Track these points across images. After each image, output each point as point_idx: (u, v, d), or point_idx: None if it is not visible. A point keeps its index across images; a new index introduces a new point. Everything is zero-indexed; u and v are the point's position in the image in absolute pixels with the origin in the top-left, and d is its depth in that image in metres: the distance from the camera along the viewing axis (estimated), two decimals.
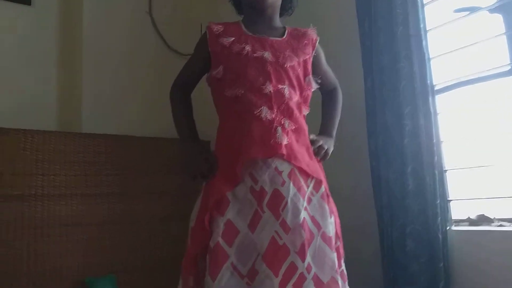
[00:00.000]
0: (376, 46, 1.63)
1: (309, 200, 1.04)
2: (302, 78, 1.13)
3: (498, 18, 1.58)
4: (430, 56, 1.61)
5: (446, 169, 1.57)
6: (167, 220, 2.01)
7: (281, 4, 1.17)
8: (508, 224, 1.49)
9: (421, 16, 1.60)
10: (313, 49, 1.17)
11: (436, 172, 1.49)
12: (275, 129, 1.04)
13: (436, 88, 1.62)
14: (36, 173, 1.78)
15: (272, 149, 1.02)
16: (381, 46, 1.62)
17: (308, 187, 1.05)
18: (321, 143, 1.13)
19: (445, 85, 1.64)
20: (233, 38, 1.10)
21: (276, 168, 1.02)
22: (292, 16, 1.26)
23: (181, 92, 1.20)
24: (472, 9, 1.64)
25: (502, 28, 1.58)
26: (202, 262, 1.01)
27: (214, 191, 1.02)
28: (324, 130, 1.21)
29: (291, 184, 1.01)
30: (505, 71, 1.53)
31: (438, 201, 1.47)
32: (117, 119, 2.14)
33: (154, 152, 2.08)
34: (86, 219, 1.84)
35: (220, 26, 1.13)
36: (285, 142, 1.04)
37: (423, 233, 1.48)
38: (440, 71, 1.64)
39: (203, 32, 1.16)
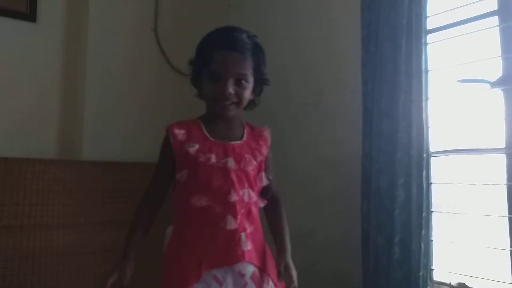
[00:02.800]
0: (377, 111, 1.66)
1: None
2: (256, 176, 1.22)
3: (499, 93, 1.60)
4: (429, 125, 1.64)
5: (432, 239, 1.63)
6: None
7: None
8: None
9: (424, 86, 1.62)
10: (267, 150, 1.27)
11: (423, 244, 1.55)
12: (239, 237, 1.13)
13: (432, 156, 1.66)
14: (36, 203, 1.82)
15: (237, 257, 1.12)
16: (382, 112, 1.64)
17: (264, 283, 1.17)
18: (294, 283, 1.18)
19: (441, 154, 1.68)
20: (197, 146, 1.16)
21: (239, 272, 1.12)
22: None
23: (151, 206, 1.24)
24: (475, 81, 1.66)
25: (502, 103, 1.60)
26: None
27: (176, 285, 1.11)
28: (284, 253, 1.21)
29: (253, 285, 1.13)
30: (500, 148, 1.57)
31: (421, 272, 1.54)
32: (119, 144, 2.16)
33: None
34: (83, 248, 1.90)
35: (183, 131, 1.17)
36: (248, 247, 1.13)
37: None
38: (437, 139, 1.68)
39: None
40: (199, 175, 1.14)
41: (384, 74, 1.64)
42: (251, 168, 1.19)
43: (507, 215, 1.50)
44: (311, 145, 2.01)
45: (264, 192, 1.27)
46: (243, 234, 1.14)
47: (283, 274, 1.16)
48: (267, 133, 1.29)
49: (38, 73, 2.11)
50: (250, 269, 1.14)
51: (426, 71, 1.64)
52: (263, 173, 1.24)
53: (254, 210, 1.20)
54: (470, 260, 1.64)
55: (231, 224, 1.12)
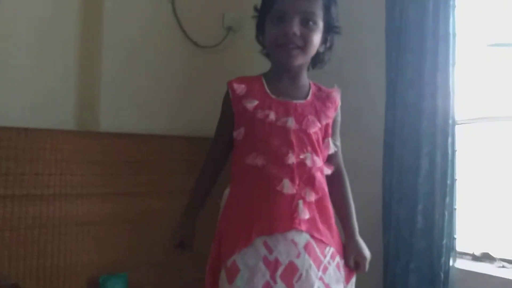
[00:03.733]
0: (401, 81, 1.61)
1: (325, 269, 1.03)
2: (322, 141, 1.09)
3: None
4: (455, 91, 1.59)
5: (456, 207, 1.59)
6: None
7: (312, 58, 1.11)
8: (510, 265, 1.54)
9: (451, 50, 1.56)
10: (335, 112, 1.13)
11: (446, 212, 1.52)
12: (297, 204, 1.01)
13: (457, 124, 1.61)
14: (55, 173, 1.81)
15: (291, 224, 1.00)
16: (406, 82, 1.59)
17: (325, 256, 1.04)
18: (366, 266, 1.12)
19: (466, 122, 1.63)
20: (257, 102, 1.05)
21: (292, 240, 1.00)
22: None
23: (213, 168, 1.16)
24: (507, 45, 1.59)
25: None
26: None
27: (226, 249, 1.03)
28: (353, 236, 1.13)
29: (306, 256, 1.00)
30: None
31: (444, 241, 1.51)
32: (136, 116, 2.15)
33: (172, 151, 2.11)
34: (102, 218, 1.90)
35: (243, 86, 1.07)
36: (306, 216, 1.01)
37: (426, 270, 1.53)
38: (463, 106, 1.63)
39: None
40: (256, 133, 1.04)
41: (409, 42, 1.59)
42: (314, 130, 1.05)
43: None
44: None
45: (327, 162, 1.12)
46: (301, 202, 1.01)
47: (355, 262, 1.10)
48: (336, 94, 1.14)
49: (56, 46, 2.09)
50: (304, 238, 1.01)
51: (454, 35, 1.57)
52: (329, 139, 1.10)
53: (320, 178, 1.06)
54: (495, 230, 1.60)
55: (289, 188, 1.01)
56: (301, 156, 1.04)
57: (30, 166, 1.76)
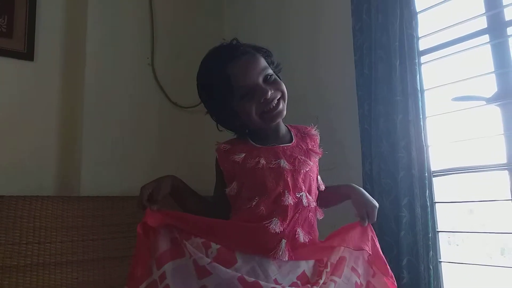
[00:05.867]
0: (375, 131, 1.65)
1: None
2: (315, 180, 1.12)
3: (496, 109, 1.61)
4: (429, 144, 1.64)
5: (441, 260, 1.58)
6: None
7: None
8: None
9: (420, 105, 1.62)
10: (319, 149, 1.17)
11: (431, 266, 1.50)
12: (278, 242, 1.00)
13: (434, 176, 1.64)
14: (32, 241, 1.77)
15: (267, 254, 1.00)
16: (380, 132, 1.63)
17: None
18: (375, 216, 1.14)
19: (442, 173, 1.66)
20: (244, 154, 1.08)
21: (275, 280, 0.98)
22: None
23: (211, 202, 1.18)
24: (470, 98, 1.66)
25: (499, 118, 1.60)
26: None
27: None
28: (352, 188, 1.18)
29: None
30: (501, 164, 1.55)
31: None
32: (117, 178, 2.14)
33: None
34: (83, 286, 1.84)
35: (228, 145, 1.12)
36: (285, 258, 1.00)
37: None
38: (437, 158, 1.67)
39: None
40: (249, 181, 1.05)
41: (380, 95, 1.65)
42: (307, 169, 1.08)
43: None
44: None
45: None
46: (283, 241, 1.00)
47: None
48: (315, 133, 1.18)
49: (37, 111, 2.11)
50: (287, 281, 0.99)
51: (422, 90, 1.65)
52: (319, 177, 1.15)
53: (312, 219, 1.08)
54: (482, 281, 1.58)
55: (276, 226, 1.00)
56: (298, 195, 1.05)
57: (5, 235, 1.72)
